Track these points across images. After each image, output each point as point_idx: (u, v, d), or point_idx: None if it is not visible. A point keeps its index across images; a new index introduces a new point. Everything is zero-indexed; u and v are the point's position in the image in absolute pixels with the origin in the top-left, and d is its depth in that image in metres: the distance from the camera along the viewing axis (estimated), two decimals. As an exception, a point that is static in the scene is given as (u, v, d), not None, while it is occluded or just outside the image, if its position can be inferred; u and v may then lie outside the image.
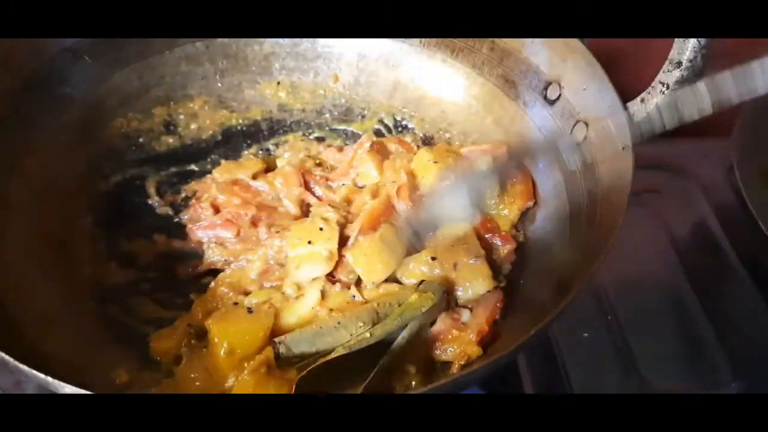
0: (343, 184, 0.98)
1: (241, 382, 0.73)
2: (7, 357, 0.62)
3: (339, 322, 0.79)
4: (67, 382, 0.60)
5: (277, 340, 0.77)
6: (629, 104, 0.81)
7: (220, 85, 1.07)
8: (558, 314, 0.67)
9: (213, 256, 0.91)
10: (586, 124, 0.86)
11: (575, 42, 0.88)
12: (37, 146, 0.90)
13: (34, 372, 0.60)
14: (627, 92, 0.82)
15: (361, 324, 0.79)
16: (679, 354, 0.96)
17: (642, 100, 0.80)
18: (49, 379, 0.60)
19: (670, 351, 0.96)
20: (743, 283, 1.02)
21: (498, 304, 0.84)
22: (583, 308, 0.98)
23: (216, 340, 0.78)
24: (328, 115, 1.10)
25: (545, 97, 0.94)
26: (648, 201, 1.13)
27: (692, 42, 0.75)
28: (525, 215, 0.95)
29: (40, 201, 0.88)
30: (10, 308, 0.76)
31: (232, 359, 0.76)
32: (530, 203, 0.94)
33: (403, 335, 0.77)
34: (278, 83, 1.09)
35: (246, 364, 0.75)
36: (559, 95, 0.92)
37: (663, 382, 0.92)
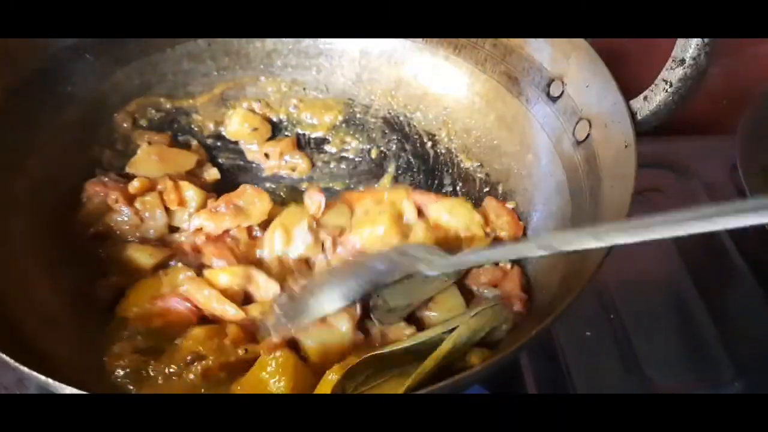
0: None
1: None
2: (8, 358, 0.62)
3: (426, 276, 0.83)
4: (68, 383, 0.60)
5: (376, 293, 0.83)
6: (632, 102, 0.81)
7: (222, 82, 1.07)
8: (560, 314, 0.67)
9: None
10: (589, 122, 0.86)
11: (578, 39, 0.87)
12: (39, 145, 0.90)
13: (35, 373, 0.60)
14: (630, 89, 0.82)
15: (446, 279, 0.85)
16: (681, 353, 0.96)
17: (645, 98, 0.80)
18: (50, 380, 0.60)
19: (672, 350, 0.96)
20: (746, 282, 1.02)
21: (520, 276, 0.86)
22: (586, 307, 0.98)
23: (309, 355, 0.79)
24: (329, 113, 1.10)
25: (548, 94, 0.93)
26: (651, 199, 1.12)
27: (696, 39, 0.74)
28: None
29: (41, 200, 0.88)
30: (12, 308, 0.75)
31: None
32: (519, 233, 0.94)
33: (451, 337, 0.77)
34: (280, 80, 1.09)
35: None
36: (562, 92, 0.91)
37: (665, 381, 0.92)
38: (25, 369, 0.61)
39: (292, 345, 0.80)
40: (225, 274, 0.86)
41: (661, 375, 0.92)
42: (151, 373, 0.77)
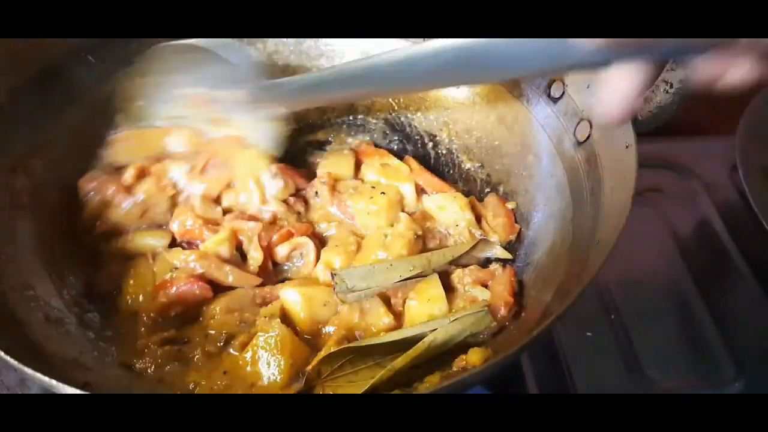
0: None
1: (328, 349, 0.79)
2: (11, 359, 0.62)
3: (391, 264, 0.87)
4: (71, 383, 0.60)
5: (335, 274, 0.86)
6: (633, 103, 0.81)
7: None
8: (561, 315, 0.67)
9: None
10: (590, 122, 0.86)
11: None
12: (41, 145, 0.90)
13: (38, 374, 0.60)
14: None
15: (412, 268, 0.87)
16: (682, 353, 0.96)
17: (646, 99, 0.80)
18: (54, 381, 0.60)
19: (673, 350, 0.96)
20: (746, 281, 1.02)
21: (512, 279, 0.87)
22: (587, 307, 0.98)
23: (297, 309, 0.84)
24: (331, 113, 1.10)
25: (549, 95, 0.93)
26: (651, 200, 1.13)
27: (696, 41, 0.74)
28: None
29: (44, 200, 0.88)
30: (15, 308, 0.76)
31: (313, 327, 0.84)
32: (512, 236, 0.95)
33: (425, 340, 0.78)
34: (281, 82, 1.09)
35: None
36: (563, 93, 0.91)
37: (666, 381, 0.92)
38: (29, 371, 0.61)
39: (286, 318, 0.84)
40: (216, 241, 0.89)
41: (662, 375, 0.92)
42: (195, 358, 0.81)
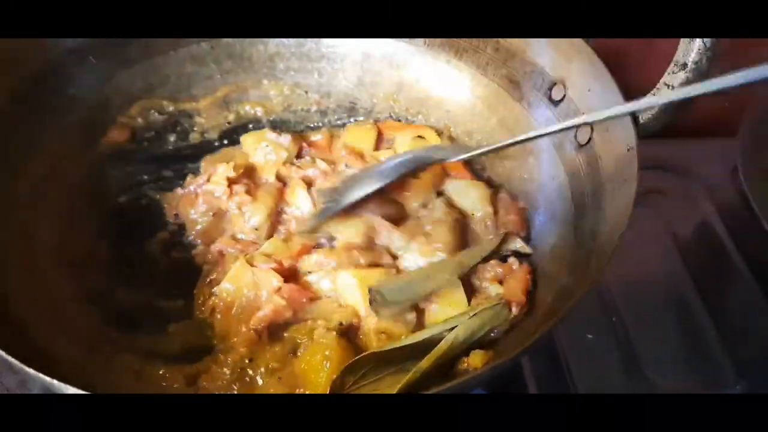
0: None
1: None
2: (11, 359, 0.62)
3: (428, 275, 0.86)
4: (72, 383, 0.60)
5: (372, 288, 0.83)
6: (634, 105, 0.81)
7: (224, 85, 1.08)
8: (561, 318, 0.67)
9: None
10: (591, 126, 0.86)
11: (580, 43, 0.88)
12: (42, 147, 0.90)
13: (39, 374, 0.60)
14: (631, 93, 0.82)
15: (447, 276, 0.85)
16: (682, 354, 0.96)
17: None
18: (55, 382, 0.60)
19: (673, 351, 0.96)
20: (747, 283, 1.02)
21: (527, 276, 0.86)
22: (588, 309, 0.98)
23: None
24: (332, 116, 1.10)
25: (550, 98, 0.94)
26: (652, 202, 1.13)
27: (697, 43, 0.75)
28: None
29: (45, 202, 0.88)
30: (16, 309, 0.76)
31: None
32: (522, 233, 0.94)
33: (447, 339, 0.78)
34: (283, 84, 1.09)
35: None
36: (564, 96, 0.91)
37: (667, 382, 0.92)
38: (31, 370, 0.61)
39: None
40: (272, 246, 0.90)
41: (662, 376, 0.92)
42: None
